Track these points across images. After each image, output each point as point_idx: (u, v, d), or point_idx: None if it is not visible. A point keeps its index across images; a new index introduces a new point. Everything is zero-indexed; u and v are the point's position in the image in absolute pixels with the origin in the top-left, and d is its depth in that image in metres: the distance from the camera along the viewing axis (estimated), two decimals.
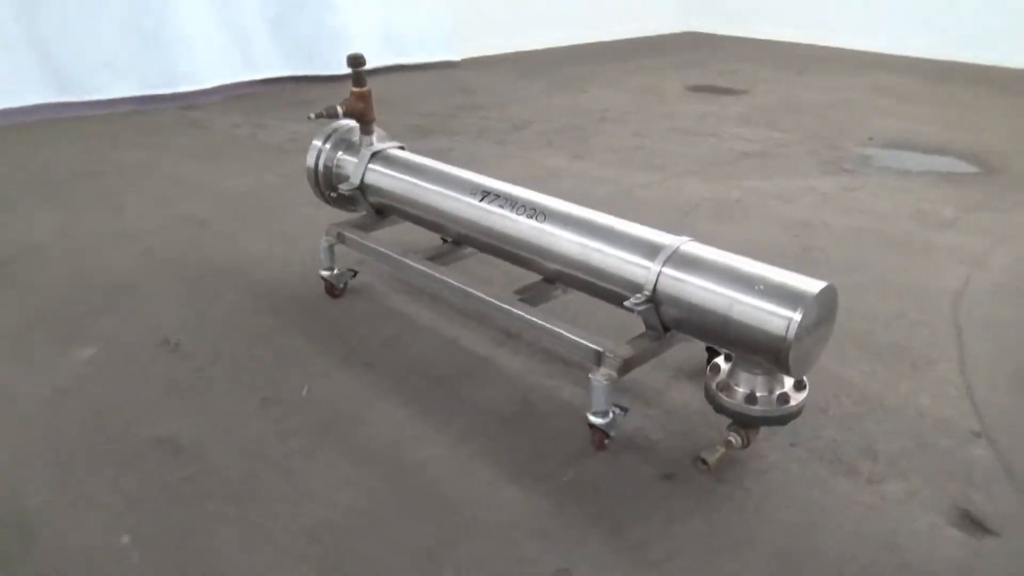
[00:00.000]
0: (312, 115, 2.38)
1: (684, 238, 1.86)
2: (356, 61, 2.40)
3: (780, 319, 1.58)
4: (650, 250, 1.83)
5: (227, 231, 3.05)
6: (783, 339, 1.57)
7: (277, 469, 1.76)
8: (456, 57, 6.53)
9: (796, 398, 1.73)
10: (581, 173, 3.82)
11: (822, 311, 1.64)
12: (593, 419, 1.79)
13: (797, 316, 1.56)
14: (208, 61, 5.12)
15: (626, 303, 1.79)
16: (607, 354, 1.79)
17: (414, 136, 4.38)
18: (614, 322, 2.07)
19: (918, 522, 1.64)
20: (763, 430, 1.84)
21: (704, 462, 1.73)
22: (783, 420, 1.75)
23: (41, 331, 2.31)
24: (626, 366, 1.78)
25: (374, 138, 2.51)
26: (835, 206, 3.40)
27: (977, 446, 1.88)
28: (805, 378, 1.78)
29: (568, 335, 1.87)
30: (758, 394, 1.73)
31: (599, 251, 1.90)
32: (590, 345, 1.82)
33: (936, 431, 1.93)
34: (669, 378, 2.12)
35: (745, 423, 1.76)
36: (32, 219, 3.14)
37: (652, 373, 2.12)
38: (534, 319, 1.95)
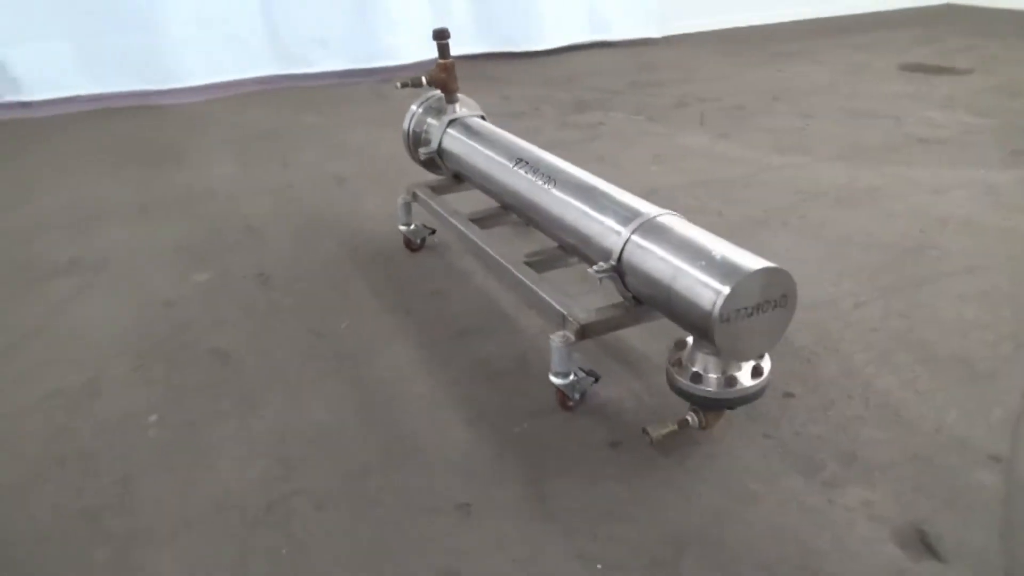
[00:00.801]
0: (399, 84, 2.64)
1: (666, 211, 1.84)
2: (440, 34, 2.60)
3: (710, 293, 1.54)
4: (627, 218, 1.83)
5: (357, 189, 3.44)
6: (709, 314, 1.53)
7: (287, 386, 2.06)
8: (656, 34, 6.47)
9: (747, 382, 1.66)
10: (716, 153, 3.70)
11: (766, 292, 1.55)
12: (553, 379, 1.86)
13: (725, 291, 1.51)
14: (409, 37, 5.63)
15: (590, 269, 1.83)
16: (569, 318, 1.84)
17: (571, 111, 4.50)
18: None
19: (855, 531, 1.51)
20: (741, 417, 1.79)
21: (647, 433, 1.73)
22: (729, 404, 1.69)
23: (179, 256, 2.84)
24: (583, 331, 1.81)
25: (457, 107, 2.71)
26: (995, 202, 2.98)
27: (989, 472, 1.65)
28: (765, 364, 1.70)
29: (541, 295, 1.94)
30: (709, 375, 1.68)
31: (587, 216, 1.94)
32: (556, 307, 1.88)
33: (943, 449, 1.72)
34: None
35: (694, 403, 1.72)
36: (214, 169, 3.78)
37: (656, 345, 2.11)
38: (521, 277, 2.04)
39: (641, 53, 6.15)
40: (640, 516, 1.58)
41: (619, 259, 1.79)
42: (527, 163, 2.23)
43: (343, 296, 2.52)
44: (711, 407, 1.71)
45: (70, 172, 3.81)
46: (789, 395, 1.94)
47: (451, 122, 2.66)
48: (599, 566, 1.46)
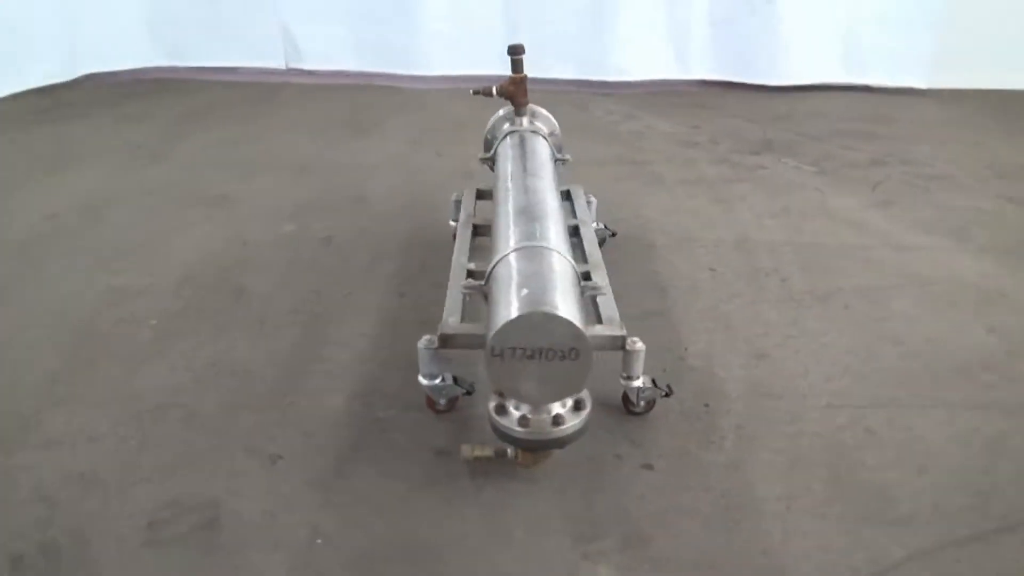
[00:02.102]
0: (472, 91, 2.84)
1: (551, 244, 1.84)
2: (514, 50, 2.76)
3: (496, 324, 1.56)
4: (512, 244, 1.86)
5: (461, 177, 3.67)
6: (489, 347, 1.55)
7: (255, 326, 2.42)
8: (922, 85, 5.72)
9: (546, 427, 1.64)
10: (850, 220, 3.30)
11: (550, 340, 1.53)
12: (420, 379, 1.96)
13: (500, 324, 1.53)
14: (640, 55, 5.70)
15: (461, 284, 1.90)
16: (440, 326, 1.93)
17: (746, 149, 4.28)
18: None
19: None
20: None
21: (460, 450, 1.77)
22: (526, 444, 1.68)
23: (290, 209, 3.35)
24: (444, 340, 1.89)
25: (524, 120, 2.84)
26: None
27: None
28: (569, 414, 1.65)
29: (447, 300, 2.04)
30: (513, 412, 1.69)
31: (496, 236, 2.00)
32: (444, 313, 1.97)
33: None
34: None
35: (496, 435, 1.73)
36: (388, 146, 4.28)
37: None
38: (451, 283, 2.15)
39: (886, 103, 5.49)
40: (368, 520, 1.66)
41: (487, 280, 1.84)
42: (512, 183, 2.31)
43: (371, 269, 2.81)
44: (512, 443, 1.71)
45: (285, 131, 4.60)
46: (648, 466, 1.82)
47: (509, 133, 2.80)
48: (318, 541, 1.60)
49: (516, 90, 2.79)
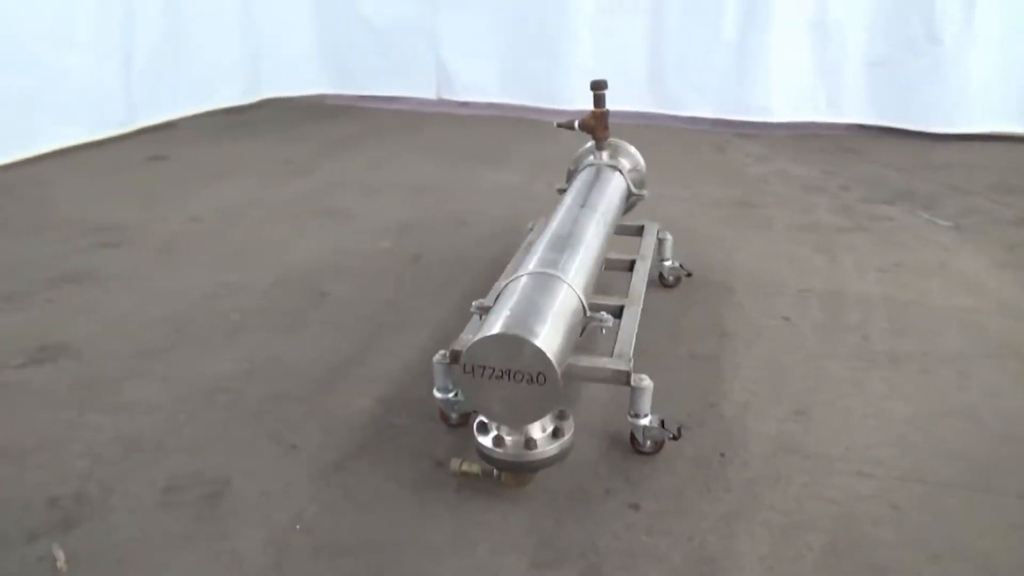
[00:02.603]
0: (556, 124, 2.92)
1: (563, 273, 1.87)
2: (597, 85, 2.82)
3: (470, 341, 1.62)
4: (531, 266, 1.92)
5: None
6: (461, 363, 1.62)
7: (359, 326, 2.62)
8: None
9: (517, 449, 1.67)
10: (968, 280, 3.00)
11: (517, 363, 1.57)
12: (435, 392, 2.04)
13: (470, 342, 1.59)
14: (785, 96, 5.50)
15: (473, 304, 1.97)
16: (455, 342, 2.01)
17: (880, 199, 4.00)
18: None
19: None
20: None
21: (451, 464, 1.83)
22: (497, 464, 1.70)
23: (393, 227, 3.57)
24: (454, 356, 1.96)
25: (604, 155, 2.88)
26: None
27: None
28: (542, 438, 1.67)
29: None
30: (491, 432, 1.73)
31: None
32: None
33: None
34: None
35: (478, 454, 1.77)
36: (509, 176, 4.44)
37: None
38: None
39: None
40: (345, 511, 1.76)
41: (495, 300, 1.90)
42: (564, 213, 2.36)
43: (447, 287, 2.95)
44: (485, 460, 1.74)
45: (419, 156, 4.90)
46: (634, 506, 1.79)
47: (587, 167, 2.84)
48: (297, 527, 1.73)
49: (597, 124, 2.83)
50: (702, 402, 2.18)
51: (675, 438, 1.93)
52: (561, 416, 1.78)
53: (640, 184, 2.90)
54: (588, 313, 1.86)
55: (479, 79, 6.18)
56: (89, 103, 4.88)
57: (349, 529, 1.72)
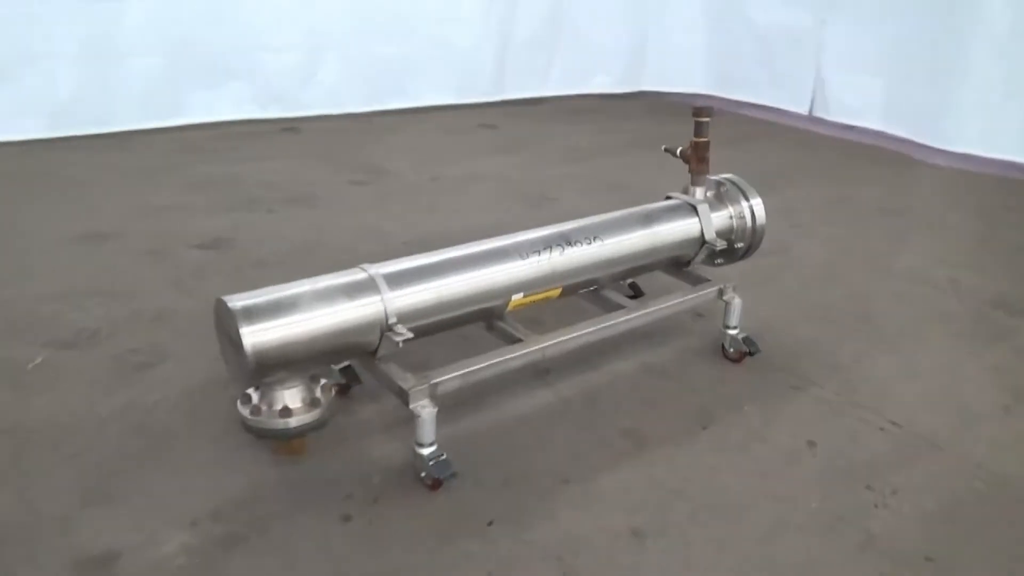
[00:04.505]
0: (664, 148, 2.64)
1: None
2: (698, 112, 2.48)
3: None
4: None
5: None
6: None
7: None
8: None
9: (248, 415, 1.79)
10: None
11: (230, 331, 1.68)
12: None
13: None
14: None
15: None
16: None
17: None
18: None
19: None
20: None
21: None
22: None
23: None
24: None
25: (697, 190, 2.52)
26: None
27: None
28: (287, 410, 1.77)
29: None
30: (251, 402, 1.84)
31: None
32: None
33: None
34: None
35: None
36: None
37: None
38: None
39: None
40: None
41: None
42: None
43: None
44: (248, 431, 1.83)
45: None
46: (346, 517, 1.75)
47: (667, 197, 2.53)
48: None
49: (694, 155, 2.48)
50: None
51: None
52: (323, 388, 1.84)
53: (740, 236, 2.44)
54: (391, 322, 1.80)
55: (859, 100, 5.43)
56: (463, 71, 5.79)
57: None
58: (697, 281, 2.46)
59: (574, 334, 2.09)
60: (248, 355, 1.64)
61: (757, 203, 2.47)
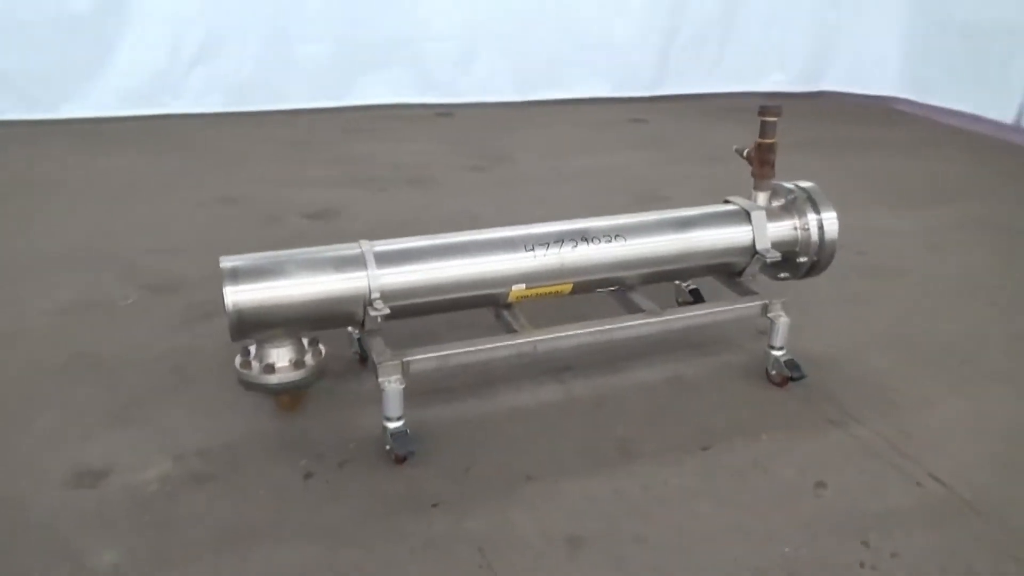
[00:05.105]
0: (735, 148, 2.46)
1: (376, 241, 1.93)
2: (764, 111, 2.31)
3: None
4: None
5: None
6: None
7: None
8: None
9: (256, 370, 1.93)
10: None
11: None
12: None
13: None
14: None
15: None
16: None
17: None
18: None
19: None
20: None
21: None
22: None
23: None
24: None
25: (760, 195, 2.33)
26: None
27: None
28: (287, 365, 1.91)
29: None
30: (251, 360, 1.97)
31: None
32: None
33: None
34: None
35: None
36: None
37: None
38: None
39: None
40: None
41: None
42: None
43: None
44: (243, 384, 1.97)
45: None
46: (308, 474, 1.85)
47: (726, 201, 2.36)
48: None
49: (758, 156, 2.30)
50: None
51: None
52: (314, 352, 1.95)
53: (805, 251, 2.24)
54: (373, 297, 1.85)
55: None
56: (622, 64, 5.69)
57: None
58: (744, 293, 2.28)
59: (571, 332, 2.03)
60: (229, 312, 1.78)
61: (829, 216, 2.24)
